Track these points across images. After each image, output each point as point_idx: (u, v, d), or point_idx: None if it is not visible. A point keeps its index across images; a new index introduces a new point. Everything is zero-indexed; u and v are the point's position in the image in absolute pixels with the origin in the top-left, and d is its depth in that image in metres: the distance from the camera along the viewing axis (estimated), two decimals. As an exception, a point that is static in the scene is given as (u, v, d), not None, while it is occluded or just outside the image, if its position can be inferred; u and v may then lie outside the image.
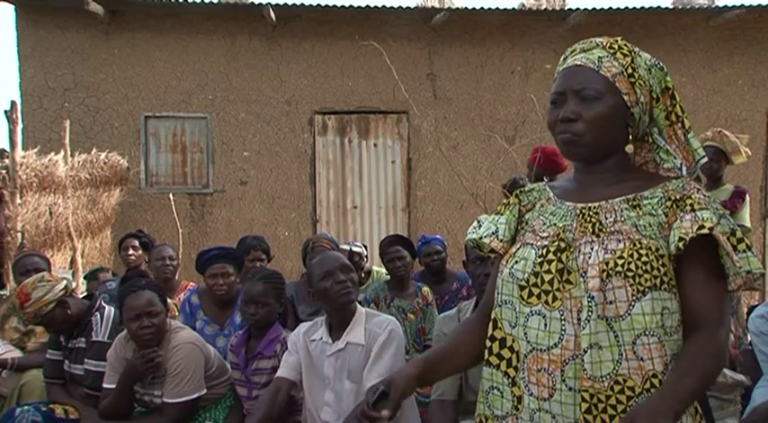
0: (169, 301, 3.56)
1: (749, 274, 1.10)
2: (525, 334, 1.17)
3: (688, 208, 1.12)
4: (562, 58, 1.28)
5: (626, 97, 1.18)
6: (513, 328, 1.21)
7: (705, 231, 1.07)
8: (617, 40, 1.23)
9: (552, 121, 1.23)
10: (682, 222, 1.11)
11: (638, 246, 1.10)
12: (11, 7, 6.67)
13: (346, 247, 4.25)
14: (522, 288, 1.19)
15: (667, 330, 1.10)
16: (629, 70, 1.19)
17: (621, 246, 1.11)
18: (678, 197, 1.15)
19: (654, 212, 1.15)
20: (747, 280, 1.10)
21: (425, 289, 3.67)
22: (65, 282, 2.87)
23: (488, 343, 1.25)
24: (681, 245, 1.09)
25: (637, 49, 1.23)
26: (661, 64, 1.24)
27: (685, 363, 1.07)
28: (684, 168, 1.22)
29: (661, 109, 1.23)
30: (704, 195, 1.15)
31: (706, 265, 1.11)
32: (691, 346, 1.10)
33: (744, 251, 1.10)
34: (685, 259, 1.12)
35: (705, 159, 1.23)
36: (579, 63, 1.21)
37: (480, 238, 1.31)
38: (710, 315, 1.11)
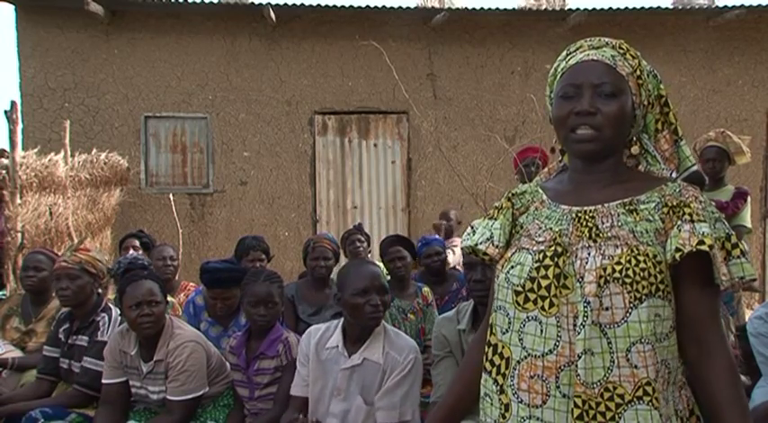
0: (172, 299, 3.58)
1: (741, 280, 1.11)
2: (521, 340, 1.16)
3: (686, 217, 1.11)
4: (565, 53, 1.26)
5: (634, 98, 1.19)
6: (505, 334, 1.20)
7: (704, 248, 1.07)
8: (622, 43, 1.24)
9: (565, 114, 1.19)
10: (680, 232, 1.10)
11: (636, 252, 1.10)
12: (11, 7, 6.68)
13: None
14: (517, 293, 1.17)
15: (658, 337, 1.10)
16: (638, 72, 1.20)
17: (619, 252, 1.10)
18: (675, 203, 1.14)
19: (651, 218, 1.14)
20: (738, 284, 1.12)
21: (425, 289, 3.66)
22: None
23: (485, 348, 1.25)
24: (678, 256, 1.08)
25: (638, 54, 1.24)
26: (655, 71, 1.25)
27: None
28: (674, 175, 1.22)
29: (653, 115, 1.23)
30: (701, 203, 1.14)
31: (702, 274, 1.11)
32: (727, 394, 1.10)
33: (738, 257, 1.12)
34: (681, 267, 1.11)
35: (696, 167, 1.22)
36: (596, 58, 1.19)
37: (475, 244, 1.29)
38: (714, 335, 1.12)
